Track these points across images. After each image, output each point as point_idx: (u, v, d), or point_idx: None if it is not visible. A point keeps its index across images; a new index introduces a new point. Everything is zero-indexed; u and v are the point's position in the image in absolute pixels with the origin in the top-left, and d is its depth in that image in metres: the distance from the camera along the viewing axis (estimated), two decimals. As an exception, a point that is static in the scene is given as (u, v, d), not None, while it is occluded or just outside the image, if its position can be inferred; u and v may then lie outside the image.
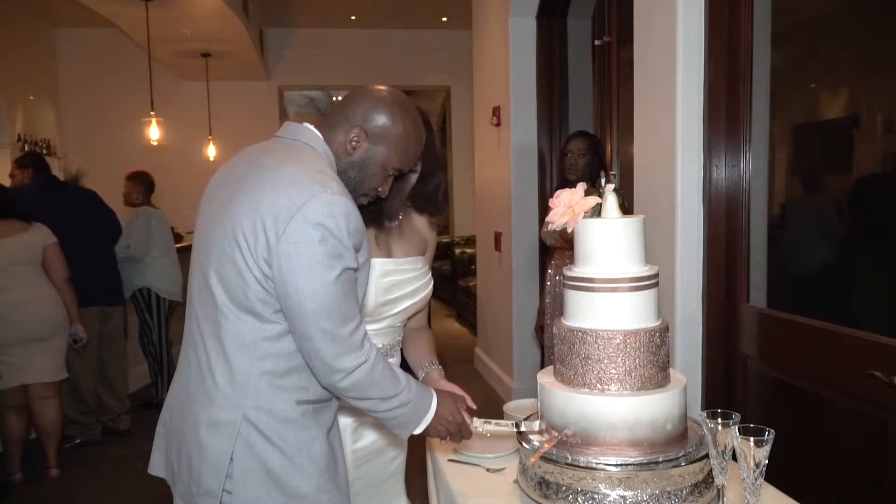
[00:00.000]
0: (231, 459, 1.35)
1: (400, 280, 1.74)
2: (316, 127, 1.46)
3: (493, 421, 1.59)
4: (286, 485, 1.36)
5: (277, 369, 1.36)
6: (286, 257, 1.27)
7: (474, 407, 1.62)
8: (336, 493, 1.43)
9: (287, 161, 1.36)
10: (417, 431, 1.49)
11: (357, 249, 1.34)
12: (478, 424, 1.57)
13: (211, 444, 1.35)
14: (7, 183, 4.23)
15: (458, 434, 1.55)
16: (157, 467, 1.51)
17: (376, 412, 1.42)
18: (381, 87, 1.49)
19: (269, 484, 1.36)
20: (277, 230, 1.28)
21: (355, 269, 1.35)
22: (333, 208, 1.29)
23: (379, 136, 1.44)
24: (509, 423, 1.58)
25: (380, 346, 1.74)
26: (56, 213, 3.92)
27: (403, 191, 1.74)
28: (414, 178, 1.74)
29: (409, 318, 1.85)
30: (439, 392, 1.54)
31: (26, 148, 6.81)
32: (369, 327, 1.70)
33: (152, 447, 1.53)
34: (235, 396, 1.35)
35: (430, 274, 1.84)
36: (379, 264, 1.68)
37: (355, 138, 1.43)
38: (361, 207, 1.46)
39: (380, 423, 1.81)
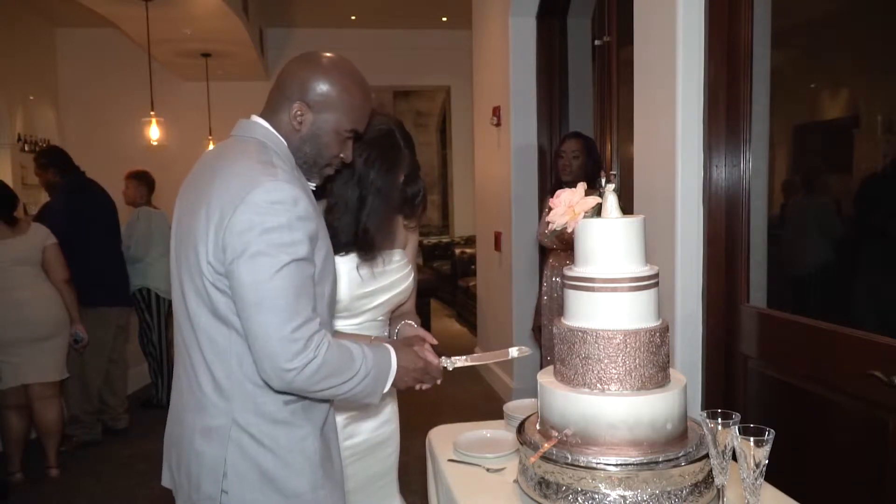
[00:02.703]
0: (225, 464, 1.34)
1: (376, 272, 1.72)
2: (261, 115, 1.44)
3: (464, 357, 1.59)
4: (281, 485, 1.36)
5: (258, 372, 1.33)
6: (231, 249, 1.25)
7: (434, 342, 1.60)
8: (332, 488, 1.43)
9: (234, 160, 1.34)
10: (385, 390, 1.44)
11: (312, 239, 1.30)
12: (446, 363, 1.55)
13: (205, 451, 1.35)
14: (9, 182, 4.26)
15: (429, 376, 1.52)
16: (165, 478, 1.50)
17: (340, 395, 1.36)
18: (312, 54, 1.44)
19: (264, 486, 1.35)
20: (223, 223, 1.26)
21: (308, 261, 1.29)
22: (279, 194, 1.26)
23: (321, 104, 1.40)
24: (482, 354, 1.63)
25: None
26: (85, 214, 4.11)
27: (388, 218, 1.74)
28: (396, 194, 1.74)
29: (392, 312, 1.83)
30: (395, 344, 1.50)
31: (26, 148, 6.81)
32: (348, 322, 1.70)
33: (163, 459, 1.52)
34: (222, 403, 1.34)
35: (409, 267, 1.83)
36: (353, 257, 1.68)
37: (298, 113, 1.39)
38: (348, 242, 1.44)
39: (372, 423, 1.81)
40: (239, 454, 1.34)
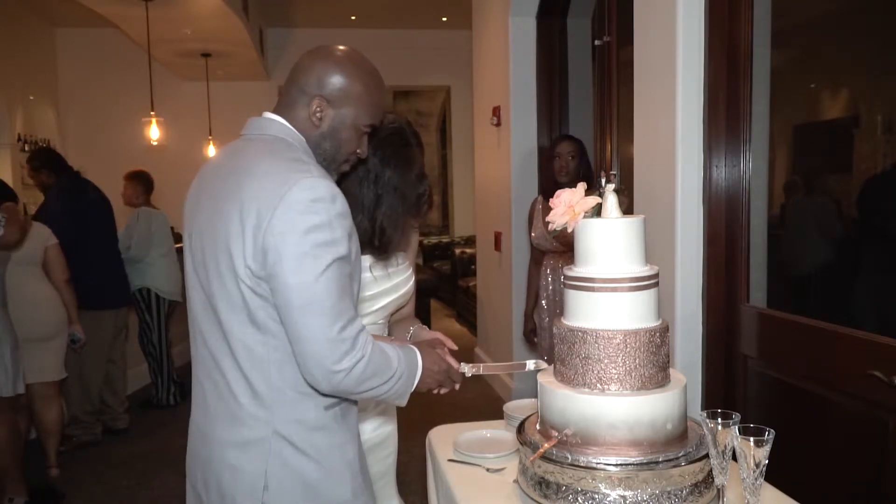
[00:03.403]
0: (265, 477, 1.30)
1: (378, 276, 1.71)
2: (275, 112, 1.40)
3: (482, 365, 1.59)
4: (324, 493, 1.32)
5: (299, 378, 1.29)
6: (273, 251, 1.21)
7: (454, 347, 1.59)
8: (368, 497, 1.42)
9: (259, 159, 1.30)
10: (412, 391, 1.42)
11: (350, 235, 1.27)
12: (465, 369, 1.55)
13: (242, 465, 1.30)
14: (9, 181, 4.26)
15: (449, 380, 1.50)
16: (189, 498, 1.46)
17: (378, 396, 1.34)
18: (326, 48, 1.41)
19: (307, 496, 1.31)
20: (262, 225, 1.21)
21: (347, 259, 1.26)
22: (318, 192, 1.22)
23: (340, 98, 1.37)
24: (499, 364, 1.64)
25: None
26: (82, 215, 4.10)
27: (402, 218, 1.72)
28: (413, 192, 1.72)
29: (392, 315, 1.82)
30: (419, 345, 1.49)
31: (27, 148, 6.81)
32: None
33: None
34: (262, 413, 1.30)
35: (410, 270, 1.82)
36: (364, 258, 1.67)
37: (318, 109, 1.36)
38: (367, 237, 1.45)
39: (371, 423, 1.80)
40: (280, 465, 1.30)
